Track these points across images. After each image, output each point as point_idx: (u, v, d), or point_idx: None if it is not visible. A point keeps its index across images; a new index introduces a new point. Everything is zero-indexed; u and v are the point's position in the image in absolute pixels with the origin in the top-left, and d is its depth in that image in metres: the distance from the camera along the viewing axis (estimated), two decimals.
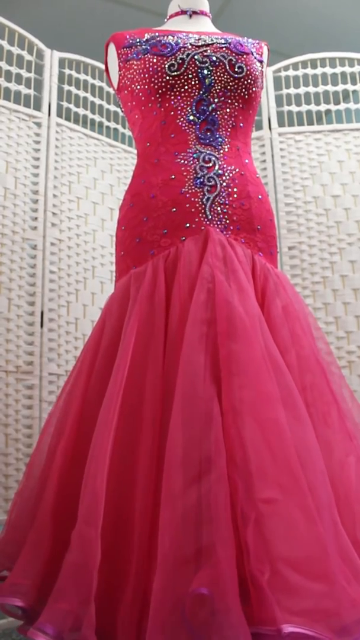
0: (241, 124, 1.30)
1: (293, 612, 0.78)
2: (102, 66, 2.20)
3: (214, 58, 1.26)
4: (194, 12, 1.43)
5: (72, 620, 0.83)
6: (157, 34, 1.31)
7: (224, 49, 1.28)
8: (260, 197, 1.27)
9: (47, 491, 1.02)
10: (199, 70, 1.24)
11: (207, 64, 1.25)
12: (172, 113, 1.24)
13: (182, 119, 1.24)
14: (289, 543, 0.85)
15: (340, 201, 2.13)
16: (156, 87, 1.24)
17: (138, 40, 1.30)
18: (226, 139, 1.26)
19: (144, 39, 1.29)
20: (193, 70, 1.24)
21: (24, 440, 1.76)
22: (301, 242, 2.12)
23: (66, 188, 2.04)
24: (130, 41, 1.31)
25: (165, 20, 1.47)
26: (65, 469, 1.04)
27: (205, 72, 1.25)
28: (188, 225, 1.17)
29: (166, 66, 1.23)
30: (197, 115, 1.24)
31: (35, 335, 1.84)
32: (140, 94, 1.27)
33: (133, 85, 1.28)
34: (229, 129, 1.27)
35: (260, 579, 0.81)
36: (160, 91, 1.24)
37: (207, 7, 1.47)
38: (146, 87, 1.25)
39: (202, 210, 1.18)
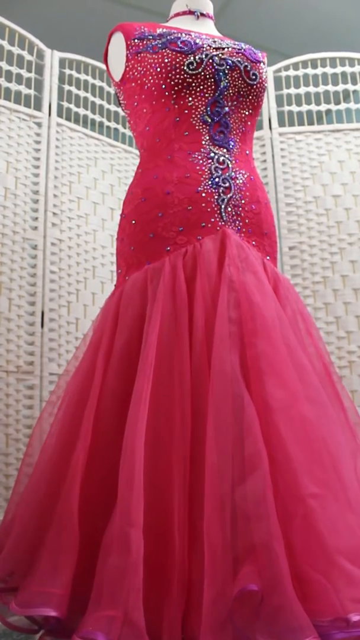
0: (249, 130, 1.32)
1: (355, 600, 0.80)
2: (103, 66, 2.20)
3: (230, 62, 1.26)
4: (202, 14, 1.43)
5: (120, 627, 0.79)
6: (171, 30, 1.30)
7: (240, 54, 1.29)
8: (266, 202, 1.29)
9: (69, 494, 0.98)
10: (216, 72, 1.24)
11: (223, 67, 1.25)
12: (187, 111, 1.24)
13: (196, 119, 1.24)
14: (338, 535, 0.87)
15: (341, 201, 2.13)
16: (172, 83, 1.23)
17: (151, 34, 1.29)
18: (237, 143, 1.27)
19: (157, 34, 1.28)
20: (210, 71, 1.24)
21: (24, 440, 1.76)
22: (302, 242, 2.12)
23: (67, 188, 2.04)
24: (142, 33, 1.30)
25: (169, 17, 1.47)
26: (87, 470, 1.00)
27: (221, 74, 1.25)
28: (204, 224, 1.17)
29: (185, 64, 1.22)
30: (212, 116, 1.24)
31: (36, 335, 1.85)
32: (153, 88, 1.26)
33: (145, 79, 1.27)
34: (239, 134, 1.28)
35: (311, 573, 0.83)
36: (176, 88, 1.23)
37: (212, 11, 1.47)
38: (161, 82, 1.24)
39: (218, 211, 1.19)
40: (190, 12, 1.43)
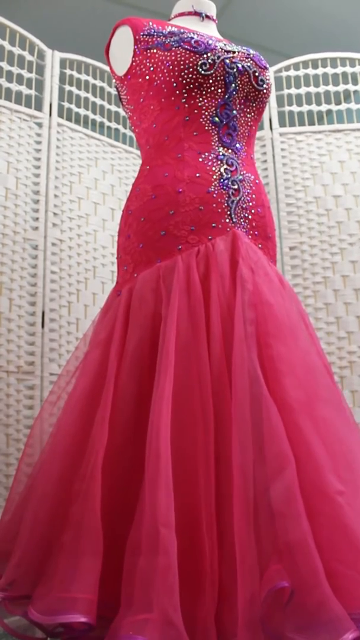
0: (253, 134, 1.33)
1: None
2: (104, 67, 2.20)
3: (240, 66, 1.27)
4: (206, 16, 1.43)
5: (160, 629, 0.78)
6: (181, 29, 1.29)
7: (249, 59, 1.30)
8: (269, 206, 1.31)
9: (88, 494, 0.95)
10: (226, 75, 1.25)
11: (234, 71, 1.26)
12: (197, 111, 1.24)
13: (206, 119, 1.24)
14: None
15: (341, 201, 2.13)
16: (184, 82, 1.23)
17: (160, 31, 1.28)
18: (243, 146, 1.28)
19: (167, 31, 1.27)
20: (221, 73, 1.25)
21: (25, 440, 1.76)
22: (302, 242, 2.12)
23: (67, 188, 2.04)
24: (152, 29, 1.29)
25: (172, 16, 1.46)
26: (107, 472, 0.98)
27: (231, 77, 1.26)
28: (214, 225, 1.18)
29: (198, 64, 1.22)
30: (221, 118, 1.25)
31: (37, 335, 1.85)
32: (163, 86, 1.25)
33: (154, 75, 1.26)
34: (245, 137, 1.29)
35: (339, 567, 0.85)
36: (187, 87, 1.23)
37: (215, 14, 1.47)
38: (172, 80, 1.23)
39: (228, 212, 1.19)
40: (196, 14, 1.42)
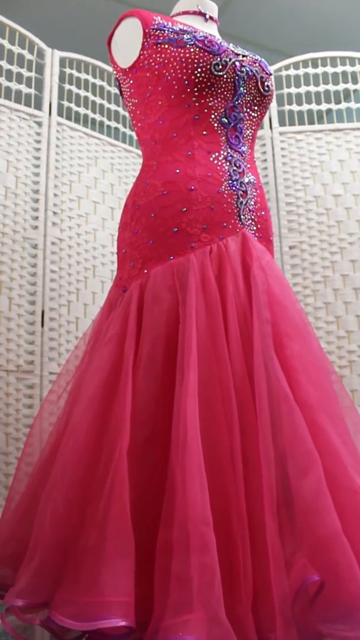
0: (254, 137, 1.34)
1: None
2: (103, 65, 2.20)
3: (249, 70, 1.28)
4: (210, 17, 1.43)
5: (207, 628, 0.78)
6: (190, 28, 1.29)
7: (256, 64, 1.31)
8: (269, 209, 1.32)
9: (113, 495, 0.92)
10: (236, 78, 1.26)
11: (243, 74, 1.27)
12: (206, 111, 1.24)
13: (215, 120, 1.24)
14: None
15: (341, 200, 2.13)
16: (197, 80, 1.22)
17: (171, 27, 1.27)
18: (248, 149, 1.29)
19: (177, 28, 1.26)
20: (231, 75, 1.25)
21: (24, 439, 1.76)
22: (302, 242, 2.12)
23: (67, 187, 2.04)
24: (161, 24, 1.27)
25: (174, 14, 1.44)
26: (133, 472, 0.95)
27: (241, 81, 1.26)
28: (225, 225, 1.19)
29: (212, 64, 1.22)
30: (229, 119, 1.26)
31: (36, 334, 1.84)
32: (174, 82, 1.24)
33: (165, 71, 1.24)
34: (249, 140, 1.31)
35: None
36: (199, 86, 1.23)
37: (216, 16, 1.47)
38: (184, 77, 1.23)
39: (237, 213, 1.21)
40: (201, 14, 1.41)
